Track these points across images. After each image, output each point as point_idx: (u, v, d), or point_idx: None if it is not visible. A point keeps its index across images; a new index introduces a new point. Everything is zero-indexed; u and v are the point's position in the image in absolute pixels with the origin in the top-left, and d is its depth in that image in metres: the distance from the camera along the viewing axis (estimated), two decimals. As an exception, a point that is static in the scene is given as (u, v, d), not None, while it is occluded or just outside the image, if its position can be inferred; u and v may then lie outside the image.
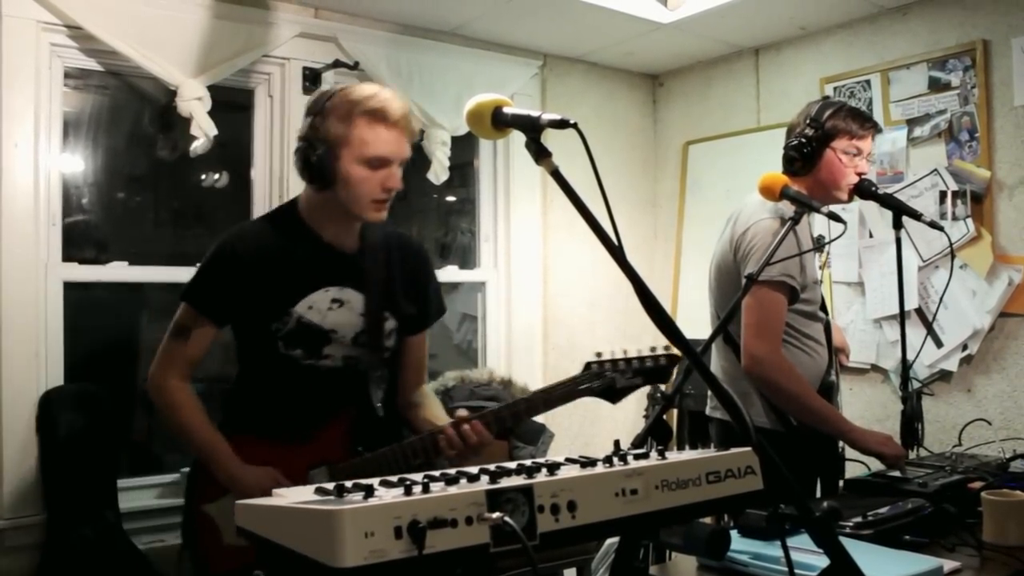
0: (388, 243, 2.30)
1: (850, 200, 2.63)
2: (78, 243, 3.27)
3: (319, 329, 2.16)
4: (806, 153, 2.56)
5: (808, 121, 2.58)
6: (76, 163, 3.36)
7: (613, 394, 2.05)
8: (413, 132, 2.15)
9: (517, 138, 1.41)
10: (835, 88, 3.85)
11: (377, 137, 2.07)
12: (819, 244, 2.53)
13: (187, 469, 3.20)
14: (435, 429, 2.11)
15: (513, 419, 2.08)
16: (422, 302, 2.35)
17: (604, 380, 2.04)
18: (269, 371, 2.18)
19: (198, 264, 2.22)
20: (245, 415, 2.22)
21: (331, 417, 2.17)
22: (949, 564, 1.73)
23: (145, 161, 3.68)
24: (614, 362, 2.04)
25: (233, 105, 3.54)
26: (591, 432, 4.44)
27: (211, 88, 3.24)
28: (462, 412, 2.11)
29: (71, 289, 3.13)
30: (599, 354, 2.06)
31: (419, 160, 3.93)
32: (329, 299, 2.17)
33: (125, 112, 3.54)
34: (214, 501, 2.15)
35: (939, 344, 3.47)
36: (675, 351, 2.04)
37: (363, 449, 2.17)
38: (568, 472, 1.13)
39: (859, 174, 2.58)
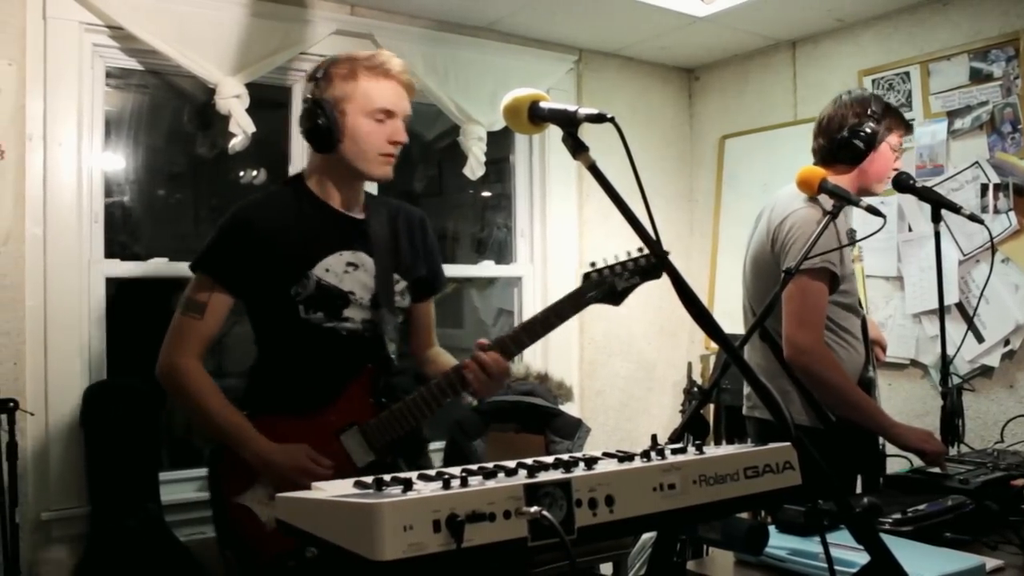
0: (392, 211, 2.36)
1: (882, 192, 2.71)
2: (120, 239, 3.32)
3: (338, 291, 2.18)
4: (868, 144, 2.56)
5: (870, 113, 2.58)
6: (117, 161, 3.41)
7: (615, 296, 2.11)
8: (412, 87, 2.22)
9: (552, 134, 1.41)
10: (873, 80, 3.80)
11: (381, 90, 2.14)
12: (852, 238, 2.51)
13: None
14: (457, 365, 2.14)
15: (531, 337, 2.13)
16: (432, 266, 2.41)
17: (605, 286, 2.10)
18: (290, 339, 2.18)
19: (211, 234, 2.20)
20: (265, 394, 2.20)
21: (349, 379, 2.17)
22: (992, 562, 1.70)
23: (184, 158, 3.73)
24: (611, 267, 2.10)
25: (271, 102, 3.58)
26: (628, 427, 4.44)
27: (249, 86, 3.28)
28: (483, 341, 2.15)
29: (113, 285, 3.18)
30: (593, 264, 2.13)
31: (455, 156, 3.95)
32: (344, 262, 2.20)
33: (165, 110, 3.59)
34: (246, 491, 2.12)
35: (980, 339, 3.42)
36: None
37: (387, 401, 2.17)
38: (606, 467, 1.13)
39: (895, 169, 2.65)
